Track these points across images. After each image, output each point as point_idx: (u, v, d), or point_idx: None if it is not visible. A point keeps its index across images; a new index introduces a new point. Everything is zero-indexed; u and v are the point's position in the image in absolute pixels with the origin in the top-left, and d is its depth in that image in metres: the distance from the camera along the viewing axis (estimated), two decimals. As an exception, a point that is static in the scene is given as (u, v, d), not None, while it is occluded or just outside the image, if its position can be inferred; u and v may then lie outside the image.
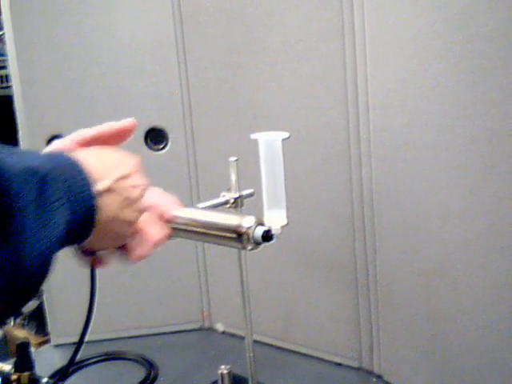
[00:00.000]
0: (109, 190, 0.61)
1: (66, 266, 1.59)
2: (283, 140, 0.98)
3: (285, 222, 1.02)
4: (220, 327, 1.64)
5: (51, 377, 1.45)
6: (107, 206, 0.61)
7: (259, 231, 0.94)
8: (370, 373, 1.37)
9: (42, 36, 1.52)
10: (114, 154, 0.68)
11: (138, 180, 0.67)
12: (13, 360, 1.31)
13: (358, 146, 1.26)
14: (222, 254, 1.60)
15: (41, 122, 1.54)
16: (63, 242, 0.55)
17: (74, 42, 1.51)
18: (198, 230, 1.02)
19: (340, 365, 1.42)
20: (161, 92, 1.54)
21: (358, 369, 1.40)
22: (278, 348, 1.51)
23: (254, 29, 1.38)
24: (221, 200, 1.19)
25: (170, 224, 1.04)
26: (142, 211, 0.70)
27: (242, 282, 1.27)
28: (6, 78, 2.90)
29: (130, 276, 1.61)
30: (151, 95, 1.54)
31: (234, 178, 1.19)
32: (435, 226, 1.13)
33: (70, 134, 1.54)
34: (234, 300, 1.59)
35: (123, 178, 0.65)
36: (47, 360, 1.56)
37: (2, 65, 2.90)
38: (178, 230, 1.04)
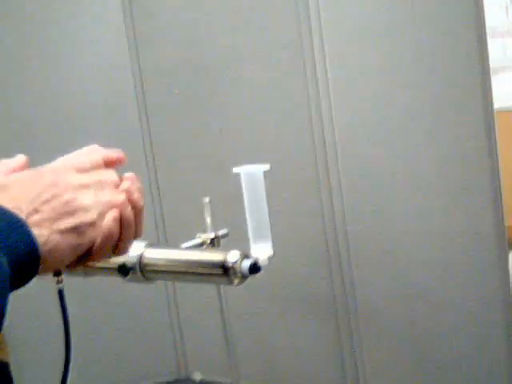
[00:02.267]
0: (35, 212, 0.60)
1: (37, 328, 1.53)
2: (264, 173, 0.98)
3: (271, 252, 1.01)
4: (197, 376, 1.60)
5: None
6: (40, 229, 0.59)
7: (246, 264, 0.93)
8: (358, 407, 1.36)
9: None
10: (26, 179, 0.64)
11: (57, 189, 0.64)
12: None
13: (327, 179, 1.28)
14: (195, 302, 1.57)
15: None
16: (16, 280, 0.55)
17: (34, 61, 1.49)
18: (181, 269, 1.00)
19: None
20: (121, 144, 1.53)
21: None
22: (262, 391, 1.48)
23: (212, 79, 1.40)
24: (197, 241, 1.18)
25: (149, 267, 1.02)
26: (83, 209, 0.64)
27: (224, 324, 1.24)
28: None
29: (103, 333, 1.56)
30: (111, 143, 1.53)
31: (208, 218, 1.18)
32: (412, 249, 1.15)
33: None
34: (210, 346, 1.56)
35: (43, 201, 0.62)
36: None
37: None
38: (159, 272, 1.02)
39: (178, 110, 1.47)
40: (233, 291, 1.33)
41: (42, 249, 0.57)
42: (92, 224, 0.64)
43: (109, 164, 0.78)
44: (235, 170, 1.01)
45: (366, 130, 1.19)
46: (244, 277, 0.95)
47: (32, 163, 0.72)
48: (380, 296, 1.25)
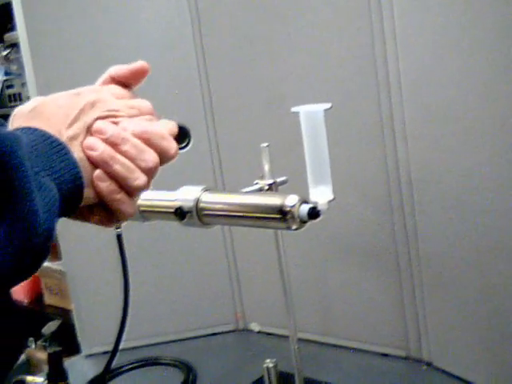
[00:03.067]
0: (73, 137, 0.58)
1: (95, 274, 1.56)
2: (325, 116, 0.94)
3: (331, 196, 0.97)
4: (255, 327, 1.59)
5: (87, 386, 1.40)
6: (78, 152, 0.58)
7: (304, 209, 0.90)
8: (419, 361, 1.32)
9: (57, 41, 1.48)
10: (62, 103, 0.62)
11: (96, 112, 0.62)
12: (44, 372, 1.27)
13: (391, 125, 1.22)
14: (251, 252, 1.55)
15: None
16: (63, 207, 0.53)
17: (88, 44, 1.48)
18: (238, 213, 0.98)
19: (387, 355, 1.36)
20: (180, 89, 1.51)
21: (406, 358, 1.34)
22: (320, 343, 1.46)
23: (275, 15, 1.35)
24: (254, 188, 1.15)
25: (205, 211, 1.00)
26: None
27: (281, 273, 1.22)
28: (14, 96, 2.89)
29: (159, 280, 1.57)
30: (171, 92, 1.50)
31: (266, 164, 1.15)
32: (484, 199, 1.08)
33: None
34: (267, 298, 1.54)
35: (73, 122, 0.59)
36: (79, 371, 1.51)
37: (10, 84, 2.89)
38: (215, 215, 1.00)
39: (235, 54, 1.43)
40: (291, 241, 1.30)
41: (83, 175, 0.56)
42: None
43: (135, 77, 0.75)
44: (294, 109, 0.97)
45: (432, 74, 1.12)
46: (302, 222, 0.91)
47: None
48: (446, 248, 1.19)
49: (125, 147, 0.63)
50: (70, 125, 0.59)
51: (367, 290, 1.36)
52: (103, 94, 0.67)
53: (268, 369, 1.14)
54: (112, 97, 0.67)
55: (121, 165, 0.62)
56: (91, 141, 0.60)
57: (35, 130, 0.55)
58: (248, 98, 1.44)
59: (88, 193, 0.58)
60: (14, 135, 0.50)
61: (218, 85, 1.48)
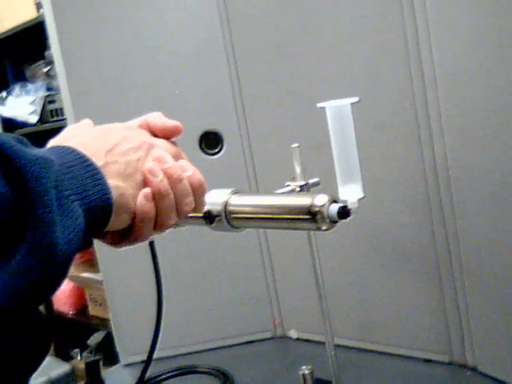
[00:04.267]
0: (105, 165, 0.57)
1: (132, 284, 1.55)
2: (364, 99, 0.90)
3: (361, 195, 0.94)
4: (293, 334, 1.56)
5: (124, 395, 1.40)
6: (112, 178, 0.57)
7: (334, 208, 0.87)
8: (463, 366, 1.26)
9: (88, 49, 1.50)
10: (98, 132, 0.66)
11: (127, 146, 0.62)
12: (83, 382, 1.26)
13: (427, 119, 1.18)
14: (288, 258, 1.53)
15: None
16: (87, 232, 0.52)
17: (120, 52, 1.49)
18: (268, 215, 0.95)
19: (429, 361, 1.31)
20: (212, 93, 1.50)
21: (450, 363, 1.29)
22: (359, 350, 1.42)
23: (304, 15, 1.33)
24: (285, 190, 1.13)
25: (234, 214, 0.98)
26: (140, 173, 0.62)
27: (316, 279, 1.19)
28: (56, 111, 2.93)
29: (195, 288, 1.55)
30: (202, 98, 1.50)
31: (297, 165, 1.13)
32: (524, 194, 1.04)
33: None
34: (305, 304, 1.51)
35: (112, 148, 0.60)
36: (117, 380, 1.50)
37: (51, 99, 2.94)
38: (244, 218, 0.98)
39: (265, 55, 1.41)
40: (326, 245, 1.27)
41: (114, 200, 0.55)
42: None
43: (168, 134, 0.78)
44: (320, 105, 0.94)
45: (468, 65, 1.07)
46: (333, 221, 0.88)
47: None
48: (488, 249, 1.14)
49: (179, 185, 0.64)
50: (110, 151, 0.59)
51: (407, 294, 1.32)
52: (157, 141, 0.68)
53: (304, 376, 1.11)
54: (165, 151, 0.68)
55: (169, 200, 0.64)
56: (154, 166, 0.62)
57: (73, 150, 0.55)
58: (278, 99, 1.42)
59: (115, 220, 0.57)
60: (45, 159, 0.48)
61: (248, 87, 1.47)
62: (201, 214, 1.01)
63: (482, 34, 1.06)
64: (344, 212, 0.86)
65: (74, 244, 0.49)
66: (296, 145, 1.12)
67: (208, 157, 1.51)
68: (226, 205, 0.98)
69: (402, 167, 1.25)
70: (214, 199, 0.99)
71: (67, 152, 0.54)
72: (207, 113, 1.50)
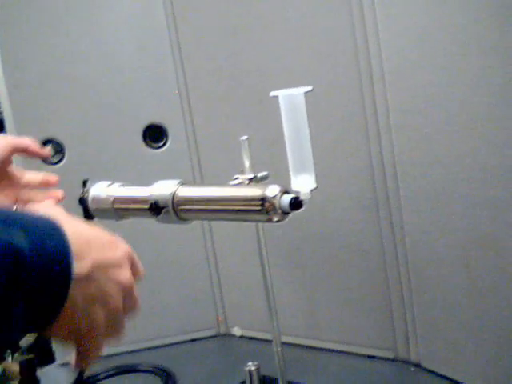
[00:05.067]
0: (86, 277, 0.51)
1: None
2: (312, 90, 0.89)
3: (314, 185, 0.93)
4: (237, 331, 1.54)
5: (60, 396, 1.34)
6: (78, 293, 0.50)
7: (286, 199, 0.85)
8: (407, 362, 1.27)
9: (28, 36, 1.43)
10: (103, 234, 0.57)
11: (120, 274, 0.55)
12: (17, 380, 1.20)
13: (375, 115, 1.18)
14: (233, 254, 1.50)
15: (31, 126, 1.44)
16: (24, 330, 0.47)
17: (61, 40, 1.43)
18: (217, 207, 0.93)
19: (374, 357, 1.31)
20: (156, 86, 1.46)
21: (394, 359, 1.29)
22: (304, 347, 1.40)
23: (253, 4, 1.31)
24: (234, 183, 1.11)
25: (182, 206, 0.95)
26: (114, 314, 0.55)
27: (264, 275, 1.17)
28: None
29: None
30: (147, 90, 1.46)
31: (246, 158, 1.10)
32: (470, 190, 1.05)
33: (63, 137, 1.45)
34: (250, 301, 1.49)
35: (105, 265, 0.53)
36: (52, 380, 1.43)
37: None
38: (193, 210, 0.95)
39: (212, 44, 1.39)
40: (273, 241, 1.26)
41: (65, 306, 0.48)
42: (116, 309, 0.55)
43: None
44: (273, 93, 0.92)
45: (416, 61, 1.08)
46: (284, 213, 0.86)
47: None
48: (433, 245, 1.15)
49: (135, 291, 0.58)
50: (99, 266, 0.52)
51: (353, 290, 1.32)
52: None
53: (250, 372, 1.09)
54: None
55: (134, 301, 0.57)
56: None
57: (61, 236, 0.48)
58: (225, 92, 1.39)
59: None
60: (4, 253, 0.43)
61: (194, 78, 1.44)
62: (146, 206, 0.98)
63: (430, 30, 1.06)
64: (296, 203, 0.85)
65: (5, 343, 0.45)
66: (245, 137, 1.10)
67: (152, 150, 1.47)
68: (173, 196, 0.94)
69: (349, 163, 1.24)
70: (161, 190, 0.95)
71: (52, 232, 0.48)
72: (152, 105, 1.46)
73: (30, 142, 0.89)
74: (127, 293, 0.56)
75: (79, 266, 0.49)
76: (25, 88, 1.42)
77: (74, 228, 0.51)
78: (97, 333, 0.53)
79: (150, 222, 0.93)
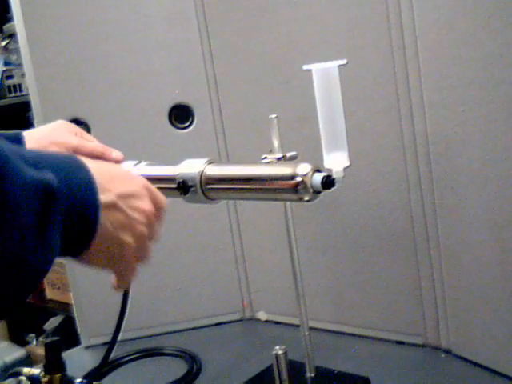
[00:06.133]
0: (112, 205, 0.58)
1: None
2: (341, 66, 0.86)
3: (347, 163, 0.90)
4: (263, 316, 1.52)
5: (85, 377, 1.33)
6: (107, 221, 0.56)
7: (318, 177, 0.83)
8: (437, 348, 1.24)
9: (53, 22, 1.41)
10: (122, 171, 0.67)
11: (143, 203, 0.63)
12: (42, 364, 1.20)
13: (408, 93, 1.14)
14: (259, 236, 1.48)
15: (57, 106, 1.43)
16: (60, 252, 0.52)
17: (87, 18, 1.41)
18: (246, 185, 0.90)
19: (402, 343, 1.29)
20: (183, 66, 1.43)
21: (423, 346, 1.26)
22: (332, 332, 1.38)
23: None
24: (263, 162, 1.08)
25: (210, 185, 0.93)
26: (141, 239, 0.63)
27: (292, 258, 1.14)
28: (14, 87, 2.82)
29: (161, 268, 1.49)
30: (173, 70, 1.43)
31: (275, 137, 1.08)
32: (506, 171, 1.01)
33: (89, 116, 1.44)
34: (275, 285, 1.47)
35: (128, 195, 0.60)
36: (78, 362, 1.43)
37: (10, 74, 2.82)
38: (222, 189, 0.93)
39: (239, 22, 1.36)
40: (301, 223, 1.23)
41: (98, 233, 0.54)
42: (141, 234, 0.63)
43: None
44: (306, 67, 0.90)
45: (451, 39, 1.04)
46: (316, 192, 0.84)
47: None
48: (466, 228, 1.12)
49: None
50: (122, 196, 0.59)
51: (382, 274, 1.29)
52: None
53: (277, 356, 1.07)
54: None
55: (155, 230, 0.66)
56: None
57: (86, 171, 0.55)
58: (252, 71, 1.37)
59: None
60: (35, 184, 0.48)
61: (221, 57, 1.41)
62: (173, 185, 0.96)
63: (465, 6, 1.03)
64: (328, 182, 0.82)
65: (43, 268, 0.49)
66: (274, 116, 1.07)
67: (178, 131, 1.45)
68: (201, 175, 0.92)
69: (380, 141, 1.21)
70: (189, 169, 0.93)
71: (78, 169, 0.54)
72: (177, 85, 1.44)
73: (95, 148, 0.89)
74: (150, 220, 0.62)
75: (105, 196, 0.54)
76: (50, 69, 1.41)
77: (97, 165, 0.56)
78: (128, 257, 0.60)
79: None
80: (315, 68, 0.88)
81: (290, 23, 1.27)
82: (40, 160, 0.50)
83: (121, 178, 0.60)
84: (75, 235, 0.52)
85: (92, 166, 0.55)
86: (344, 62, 0.87)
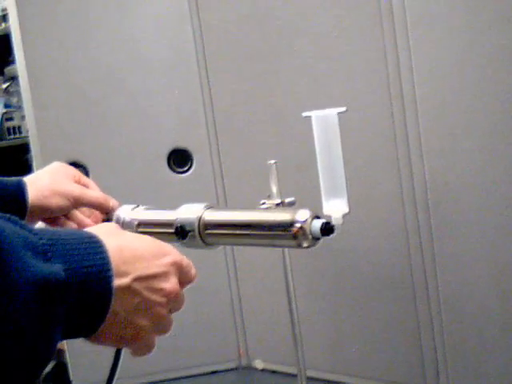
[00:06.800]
0: (127, 289, 0.53)
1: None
2: (340, 114, 0.86)
3: (346, 210, 0.89)
4: (259, 364, 1.49)
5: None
6: (120, 306, 0.53)
7: (317, 224, 0.82)
8: (438, 400, 1.21)
9: (55, 55, 1.43)
10: (150, 246, 0.59)
11: (165, 283, 0.58)
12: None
13: (406, 140, 1.15)
14: (256, 282, 1.46)
15: (56, 149, 1.43)
16: (68, 334, 0.50)
17: (87, 62, 1.43)
18: (245, 231, 0.89)
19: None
20: (182, 110, 1.44)
21: (424, 396, 1.23)
22: (331, 382, 1.35)
23: (280, 30, 1.29)
24: (261, 208, 1.08)
25: (209, 230, 0.92)
26: (159, 319, 0.58)
27: (290, 305, 1.13)
28: (14, 129, 2.83)
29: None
30: (173, 114, 1.44)
31: (274, 183, 1.08)
32: (504, 218, 1.01)
33: (87, 159, 1.44)
34: (273, 333, 1.45)
35: (147, 277, 0.56)
36: (71, 411, 1.40)
37: (10, 116, 2.84)
38: (220, 235, 0.92)
39: (239, 69, 1.37)
40: (299, 269, 1.22)
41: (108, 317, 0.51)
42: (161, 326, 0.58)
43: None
44: (306, 114, 0.90)
45: (448, 85, 1.05)
46: (315, 238, 0.83)
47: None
48: (466, 275, 1.11)
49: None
50: (141, 279, 0.55)
51: (381, 322, 1.27)
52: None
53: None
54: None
55: (180, 304, 0.61)
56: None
57: (102, 252, 0.51)
58: (251, 116, 1.38)
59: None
60: (39, 283, 0.46)
61: (221, 102, 1.42)
62: (171, 230, 0.95)
63: (463, 56, 1.04)
64: (327, 228, 0.81)
65: (45, 353, 0.47)
66: (273, 161, 1.07)
67: (177, 175, 1.45)
68: (199, 220, 0.92)
69: (379, 188, 1.21)
70: (187, 213, 0.92)
71: (94, 254, 0.51)
72: (177, 129, 1.45)
73: (96, 198, 0.88)
74: (172, 298, 0.58)
75: (119, 281, 0.51)
76: (50, 111, 1.42)
77: (119, 243, 0.53)
78: (143, 337, 0.56)
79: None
80: (315, 115, 0.89)
81: (290, 70, 1.28)
82: (50, 248, 0.48)
83: (144, 257, 0.56)
84: (84, 320, 0.50)
85: (113, 243, 0.53)
86: (343, 109, 0.88)
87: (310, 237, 0.82)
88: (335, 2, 1.21)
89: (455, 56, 1.04)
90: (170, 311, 0.59)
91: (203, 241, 0.92)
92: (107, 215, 0.95)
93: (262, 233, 0.87)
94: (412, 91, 1.12)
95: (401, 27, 1.11)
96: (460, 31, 1.05)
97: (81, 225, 0.88)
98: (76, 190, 0.86)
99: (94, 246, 0.51)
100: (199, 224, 0.92)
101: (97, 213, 0.90)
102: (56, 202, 0.83)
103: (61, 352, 2.43)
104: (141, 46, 1.43)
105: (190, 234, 0.93)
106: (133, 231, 0.95)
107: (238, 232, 0.89)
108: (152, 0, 1.44)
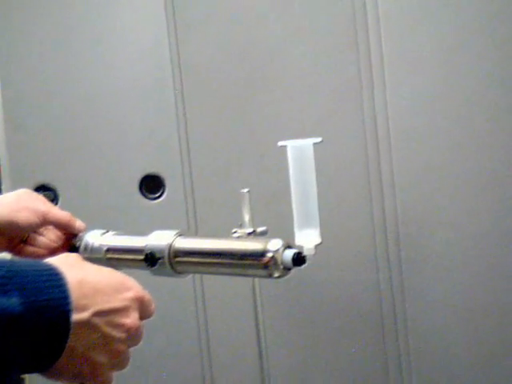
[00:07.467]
0: (86, 324, 0.52)
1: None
2: (315, 144, 0.87)
3: (318, 240, 0.89)
4: (225, 397, 1.46)
5: None
6: (78, 341, 0.51)
7: (289, 254, 0.82)
8: None
9: (28, 78, 1.42)
10: (112, 279, 0.58)
11: (125, 319, 0.56)
12: None
13: (379, 174, 1.16)
14: (224, 313, 1.45)
15: (26, 172, 1.41)
16: (24, 369, 0.49)
17: (59, 85, 1.42)
18: (216, 260, 0.89)
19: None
20: (157, 136, 1.44)
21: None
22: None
23: (257, 58, 1.31)
24: (233, 237, 1.07)
25: (179, 258, 0.91)
26: (117, 355, 0.56)
27: (258, 336, 1.12)
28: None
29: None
30: (146, 139, 1.43)
31: (246, 211, 1.07)
32: (474, 256, 1.02)
33: (57, 183, 1.42)
34: (239, 364, 1.43)
35: (108, 312, 0.54)
36: None
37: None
38: (189, 262, 0.91)
39: (216, 96, 1.38)
40: (269, 300, 1.21)
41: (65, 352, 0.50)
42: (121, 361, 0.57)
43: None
44: (281, 143, 0.90)
45: (421, 121, 1.07)
46: (286, 269, 0.83)
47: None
48: (435, 312, 1.11)
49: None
50: (101, 313, 0.54)
51: (349, 356, 1.26)
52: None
53: None
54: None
55: (138, 339, 0.59)
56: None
57: (60, 285, 0.51)
58: (227, 141, 1.38)
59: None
60: None
61: (195, 129, 1.42)
62: (141, 257, 0.94)
63: (437, 91, 1.06)
64: (299, 258, 0.81)
65: None
66: (246, 190, 1.07)
67: (148, 201, 1.44)
68: (170, 247, 0.90)
69: (350, 221, 1.21)
70: (157, 240, 0.91)
71: (53, 287, 0.50)
72: (150, 155, 1.44)
73: (63, 216, 0.87)
74: (132, 334, 0.56)
75: (78, 315, 0.50)
76: (20, 135, 1.40)
77: (80, 276, 0.52)
78: (100, 374, 0.55)
79: (138, 275, 0.88)
80: (290, 145, 0.89)
81: (266, 99, 1.29)
82: (9, 281, 0.48)
83: (106, 292, 0.55)
84: (40, 354, 0.49)
85: (74, 276, 0.52)
86: (319, 139, 0.88)
87: (282, 267, 0.82)
88: (311, 34, 1.23)
89: (429, 92, 1.06)
90: (129, 346, 0.58)
91: (173, 269, 0.91)
92: (73, 240, 0.93)
93: (233, 262, 0.86)
94: (386, 125, 1.13)
95: (377, 61, 1.13)
96: (435, 67, 1.07)
97: (46, 249, 0.86)
98: (42, 206, 0.85)
99: (54, 279, 0.50)
100: (169, 251, 0.91)
101: (63, 237, 0.89)
102: (24, 215, 0.82)
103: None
104: (115, 71, 1.42)
105: (159, 261, 0.92)
106: (101, 257, 0.94)
107: (208, 260, 0.88)
108: (130, 26, 1.44)
